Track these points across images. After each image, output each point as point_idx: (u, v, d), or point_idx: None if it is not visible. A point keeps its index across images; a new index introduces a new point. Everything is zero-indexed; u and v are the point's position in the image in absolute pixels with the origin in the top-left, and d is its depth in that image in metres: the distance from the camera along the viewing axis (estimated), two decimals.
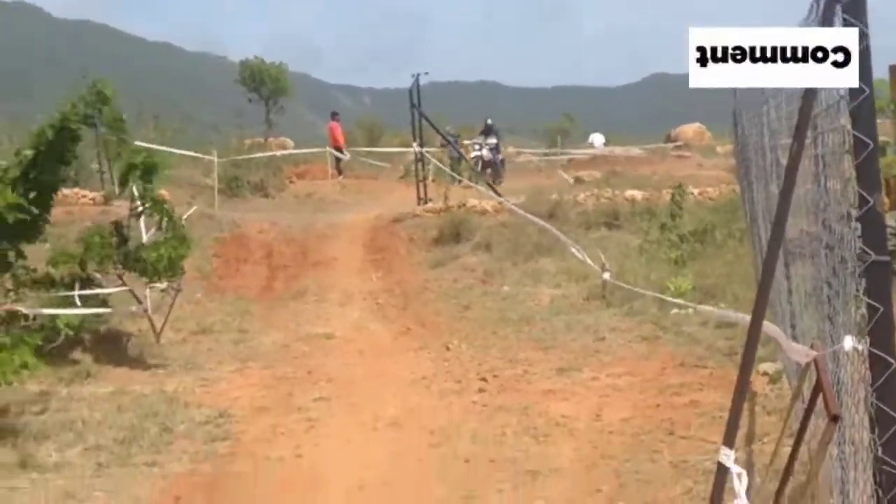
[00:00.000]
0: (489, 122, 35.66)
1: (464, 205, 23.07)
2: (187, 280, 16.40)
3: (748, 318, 7.73)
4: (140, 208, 14.62)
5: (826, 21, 4.07)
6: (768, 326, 7.43)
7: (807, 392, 5.59)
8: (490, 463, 8.99)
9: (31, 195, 12.38)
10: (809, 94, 4.24)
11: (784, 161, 8.00)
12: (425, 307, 17.41)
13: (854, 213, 3.92)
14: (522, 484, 8.38)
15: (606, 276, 15.99)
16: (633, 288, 15.00)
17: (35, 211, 12.43)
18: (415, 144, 27.25)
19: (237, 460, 9.66)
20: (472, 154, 33.49)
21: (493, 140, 34.40)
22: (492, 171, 33.06)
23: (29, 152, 12.52)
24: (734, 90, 19.93)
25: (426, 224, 22.63)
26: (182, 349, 14.75)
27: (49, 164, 12.58)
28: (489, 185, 27.52)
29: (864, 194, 3.77)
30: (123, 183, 14.71)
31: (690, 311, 14.54)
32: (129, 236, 14.50)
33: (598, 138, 44.86)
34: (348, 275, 19.99)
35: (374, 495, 8.50)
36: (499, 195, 25.20)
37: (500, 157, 35.11)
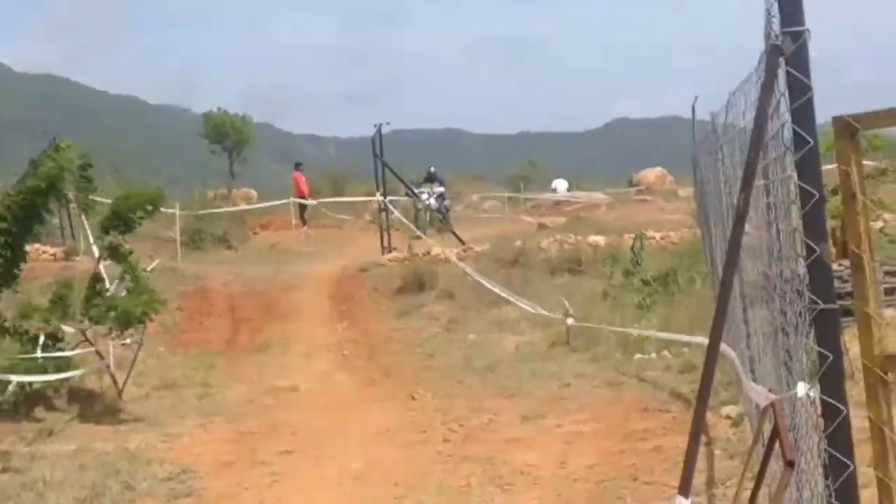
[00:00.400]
0: (432, 169, 35.08)
1: (427, 253, 23.13)
2: (150, 334, 16.33)
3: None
4: (107, 261, 14.58)
5: (769, 73, 4.14)
6: (731, 356, 7.48)
7: (767, 436, 5.63)
8: None
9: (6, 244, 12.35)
10: (755, 145, 4.31)
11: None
12: (390, 357, 17.39)
13: (802, 261, 3.97)
14: None
15: (570, 321, 16.04)
16: (599, 326, 15.02)
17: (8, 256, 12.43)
18: (378, 194, 27.34)
19: None
20: (420, 204, 32.70)
21: (438, 188, 33.87)
22: (442, 219, 32.68)
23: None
24: (693, 135, 20.15)
25: (390, 273, 22.68)
26: (145, 405, 14.63)
27: (26, 220, 12.59)
28: (454, 234, 27.62)
29: (811, 243, 3.83)
30: (106, 232, 14.64)
31: (653, 355, 14.63)
32: (101, 290, 14.44)
33: (561, 184, 45.09)
34: (313, 326, 19.95)
35: None
36: (461, 240, 25.31)
37: (447, 203, 34.54)
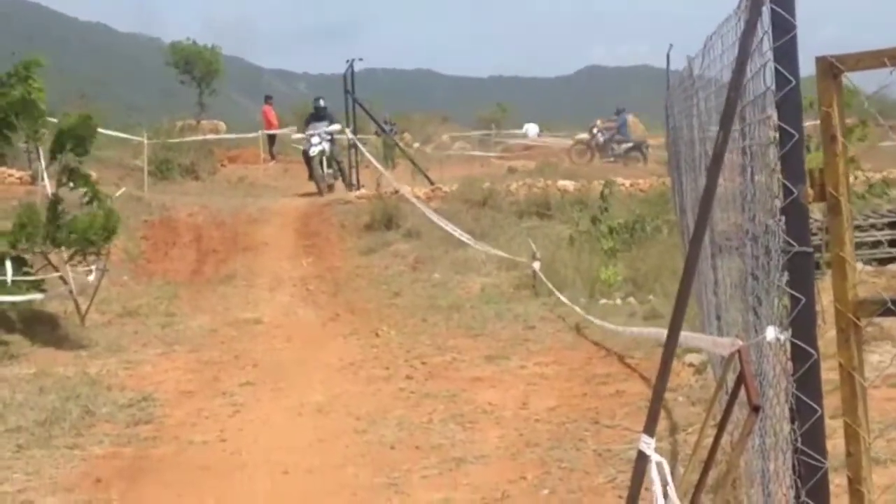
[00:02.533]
0: (321, 102, 28.00)
1: (396, 192, 23.02)
2: (114, 262, 16.26)
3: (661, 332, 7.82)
4: (68, 183, 14.41)
5: (754, 11, 4.08)
6: (693, 337, 7.50)
7: (731, 383, 5.63)
8: (415, 449, 8.97)
9: None
10: (736, 84, 4.25)
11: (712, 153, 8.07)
12: (355, 293, 17.36)
13: (778, 204, 3.93)
14: (448, 470, 8.36)
15: (536, 265, 16.03)
16: (553, 289, 15.00)
17: None
18: (348, 131, 27.14)
19: (160, 444, 9.55)
20: (312, 149, 26.32)
21: (335, 126, 26.96)
22: (334, 170, 26.87)
23: None
24: (666, 81, 20.11)
25: (358, 210, 22.59)
26: (107, 332, 14.58)
27: None
28: (418, 167, 27.52)
29: (789, 185, 3.79)
30: (54, 155, 14.41)
31: (619, 301, 14.66)
32: (62, 212, 14.30)
33: (532, 128, 44.99)
34: (278, 260, 19.89)
35: (298, 480, 8.44)
36: (431, 181, 25.24)
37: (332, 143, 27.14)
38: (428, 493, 7.90)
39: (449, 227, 19.17)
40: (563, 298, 14.34)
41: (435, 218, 19.77)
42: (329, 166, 26.69)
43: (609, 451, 8.43)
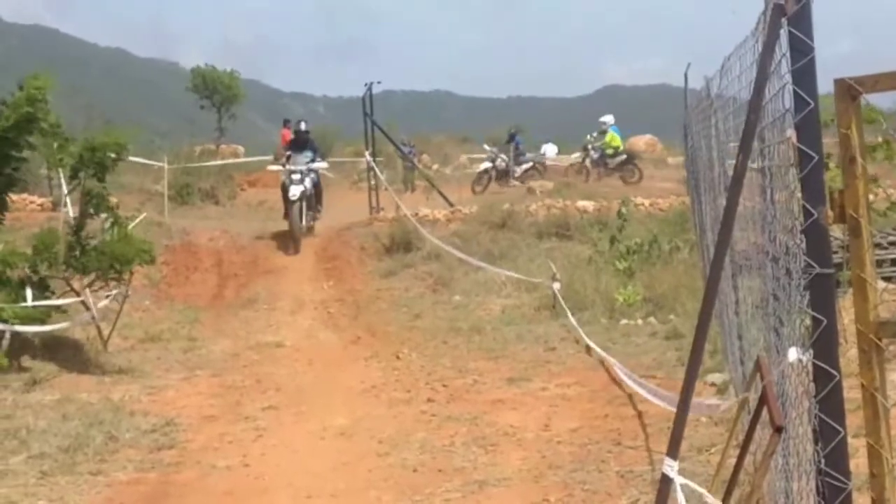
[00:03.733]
0: (303, 125, 24.61)
1: (416, 214, 23.05)
2: (136, 287, 16.31)
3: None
4: (89, 209, 14.47)
5: (772, 33, 4.10)
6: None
7: (753, 403, 5.62)
8: (438, 472, 8.97)
9: None
10: (755, 106, 4.27)
11: (731, 173, 8.07)
12: (376, 316, 17.39)
13: (798, 225, 3.95)
14: (470, 493, 8.36)
15: (556, 286, 16.03)
16: (568, 311, 14.97)
17: None
18: (367, 154, 27.22)
19: (183, 469, 9.58)
20: (293, 189, 22.69)
21: (321, 164, 24.52)
22: (314, 212, 23.80)
23: None
24: (684, 101, 20.10)
25: (378, 233, 22.62)
26: (130, 357, 14.64)
27: (4, 157, 12.17)
28: (441, 194, 27.52)
29: (809, 207, 3.80)
30: (74, 177, 14.46)
31: (640, 321, 14.64)
32: (84, 237, 14.38)
33: (550, 149, 44.90)
34: (299, 283, 19.94)
35: None
36: (450, 203, 25.27)
37: (315, 178, 23.88)
38: None
39: (459, 254, 19.23)
40: (573, 322, 14.29)
41: (442, 245, 19.87)
42: (309, 208, 23.24)
43: (632, 473, 8.42)
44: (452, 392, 11.94)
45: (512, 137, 37.15)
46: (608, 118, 36.61)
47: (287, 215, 22.82)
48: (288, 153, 24.03)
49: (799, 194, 3.90)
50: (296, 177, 22.99)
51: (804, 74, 3.89)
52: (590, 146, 36.34)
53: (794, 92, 3.92)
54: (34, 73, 12.65)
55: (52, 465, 9.52)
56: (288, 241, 22.63)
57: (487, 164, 35.91)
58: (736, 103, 7.12)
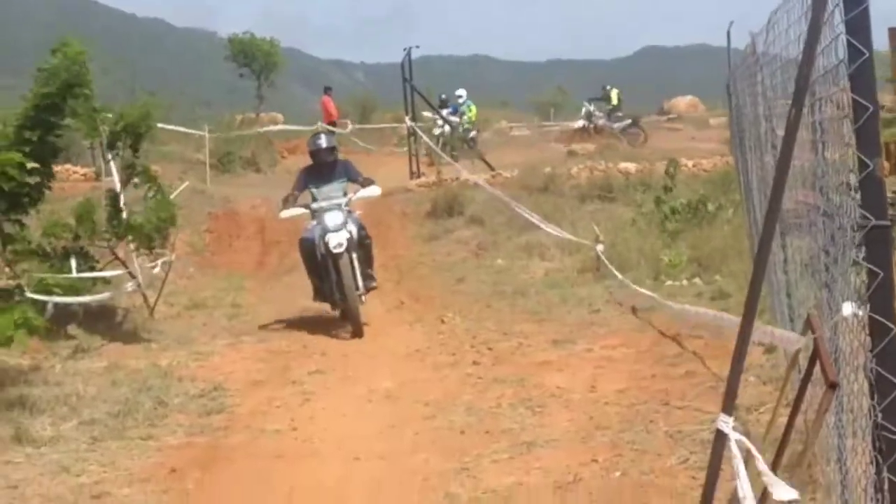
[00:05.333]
0: (322, 141, 14.95)
1: (457, 179, 23.03)
2: (180, 256, 16.41)
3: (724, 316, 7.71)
4: (131, 179, 14.55)
5: None
6: (762, 332, 7.44)
7: (803, 361, 5.58)
8: (485, 434, 8.98)
9: (30, 159, 11.93)
10: (808, 58, 4.20)
11: (779, 130, 7.98)
12: (419, 281, 17.40)
13: (854, 178, 3.90)
14: (518, 454, 8.36)
15: (600, 248, 15.96)
16: (616, 273, 14.87)
17: (35, 179, 12.10)
18: (407, 119, 27.20)
19: (232, 433, 9.64)
20: (331, 238, 13.81)
21: (371, 190, 14.60)
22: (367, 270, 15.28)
23: (27, 107, 12.05)
24: (728, 60, 19.92)
25: (419, 198, 22.65)
26: (175, 324, 14.74)
27: (47, 122, 12.12)
28: (482, 159, 27.45)
29: (864, 158, 3.75)
30: (112, 147, 14.53)
31: (685, 282, 14.56)
32: (123, 206, 14.46)
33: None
34: None
35: (370, 467, 8.48)
36: (491, 167, 25.21)
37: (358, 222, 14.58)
38: (499, 478, 7.90)
39: (522, 210, 19.15)
40: (626, 280, 14.22)
41: (511, 202, 19.76)
42: (362, 266, 14.28)
43: (680, 433, 8.38)
44: (498, 355, 11.93)
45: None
46: (461, 92, 35.73)
47: (318, 293, 14.54)
48: (304, 188, 14.85)
49: (854, 146, 3.85)
50: (330, 220, 14.03)
51: (858, 24, 3.84)
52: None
53: (848, 42, 3.86)
54: (65, 38, 12.58)
55: (102, 431, 9.61)
56: (336, 328, 14.37)
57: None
58: (784, 59, 7.03)
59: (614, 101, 36.44)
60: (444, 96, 35.98)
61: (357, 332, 13.75)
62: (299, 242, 14.67)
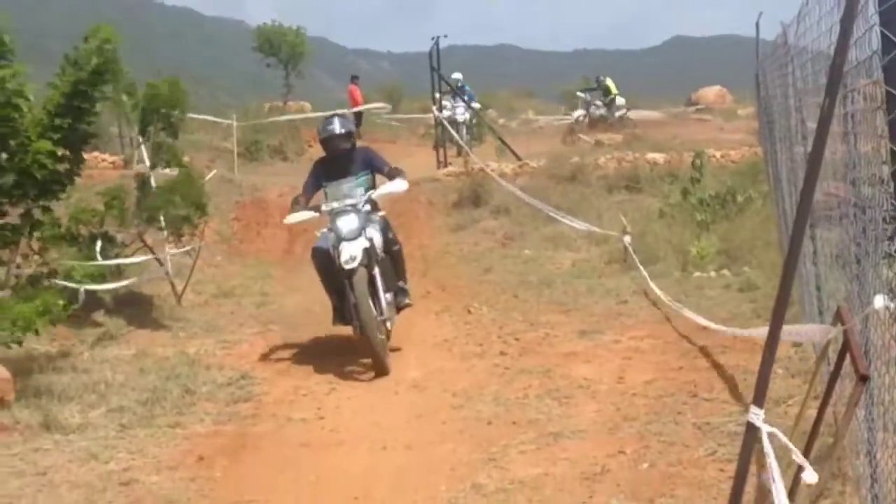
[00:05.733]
0: (336, 126, 12.23)
1: (483, 168, 22.99)
2: (207, 244, 16.46)
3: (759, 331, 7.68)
4: (159, 164, 14.62)
5: None
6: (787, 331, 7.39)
7: (833, 354, 5.56)
8: (512, 424, 8.98)
9: (60, 146, 11.94)
10: (841, 48, 4.17)
11: (810, 122, 7.95)
12: (446, 271, 17.37)
13: (886, 169, 3.87)
14: (545, 445, 8.36)
15: (627, 239, 15.91)
16: (640, 266, 14.80)
17: (65, 167, 12.12)
18: (434, 108, 27.16)
19: (259, 421, 9.69)
20: (344, 250, 11.38)
21: (396, 184, 11.83)
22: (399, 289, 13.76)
23: (57, 95, 12.06)
24: (756, 51, 19.82)
25: (446, 188, 22.59)
26: (203, 312, 14.80)
27: (77, 109, 12.14)
28: (504, 143, 27.38)
29: None
30: (143, 131, 14.60)
31: (713, 273, 14.50)
32: (151, 191, 14.53)
33: (618, 101, 44.60)
34: None
35: (397, 456, 8.51)
36: (518, 156, 25.17)
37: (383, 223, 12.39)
38: (526, 468, 7.91)
39: (537, 203, 19.10)
40: (645, 275, 14.11)
41: (522, 195, 19.72)
42: (386, 282, 11.92)
43: (708, 425, 8.36)
44: (524, 345, 11.92)
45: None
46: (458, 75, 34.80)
47: (337, 314, 12.14)
48: (317, 188, 12.56)
49: (887, 138, 3.83)
50: (344, 224, 11.65)
51: (893, 16, 3.81)
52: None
53: (882, 34, 3.84)
54: (97, 25, 12.59)
55: (130, 418, 9.67)
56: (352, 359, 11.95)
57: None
58: (815, 50, 6.99)
59: (613, 90, 36.20)
60: (455, 76, 35.53)
61: (378, 369, 11.20)
62: (312, 252, 12.15)
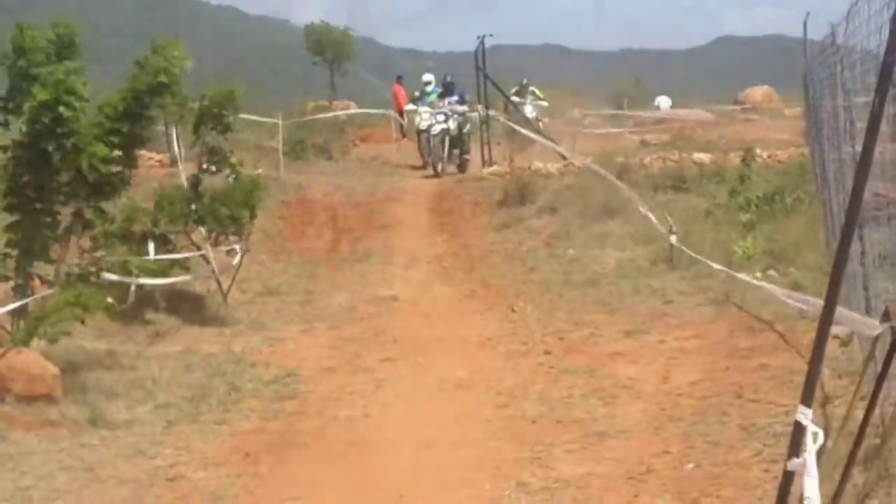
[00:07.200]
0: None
1: (529, 167, 22.95)
2: (253, 242, 16.56)
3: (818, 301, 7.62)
4: (209, 165, 14.74)
5: None
6: (842, 315, 7.33)
7: (879, 354, 5.52)
8: (557, 424, 8.99)
9: (117, 150, 12.09)
10: (892, 47, 4.14)
11: (858, 122, 7.89)
12: (490, 270, 17.38)
13: None
14: (590, 444, 8.36)
15: (673, 239, 15.81)
16: (697, 256, 14.67)
17: (118, 168, 12.25)
18: (480, 107, 27.11)
19: (305, 419, 9.74)
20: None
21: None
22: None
23: (117, 99, 12.20)
24: (804, 51, 19.68)
25: (491, 187, 22.60)
26: (249, 310, 14.90)
27: (136, 114, 12.29)
28: (553, 141, 27.29)
29: None
30: (197, 132, 14.74)
31: (759, 274, 14.39)
32: (203, 192, 14.65)
33: (664, 101, 44.36)
34: (413, 238, 20.01)
35: (442, 454, 8.53)
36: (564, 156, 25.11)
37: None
38: (571, 467, 7.91)
39: (618, 182, 19.06)
40: (710, 263, 13.96)
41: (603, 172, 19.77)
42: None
43: (754, 426, 8.32)
44: (569, 344, 11.92)
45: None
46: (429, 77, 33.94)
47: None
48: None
49: None
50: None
51: None
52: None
53: None
54: (168, 40, 12.75)
55: (177, 415, 9.77)
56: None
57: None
58: (864, 50, 6.94)
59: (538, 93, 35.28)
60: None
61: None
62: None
